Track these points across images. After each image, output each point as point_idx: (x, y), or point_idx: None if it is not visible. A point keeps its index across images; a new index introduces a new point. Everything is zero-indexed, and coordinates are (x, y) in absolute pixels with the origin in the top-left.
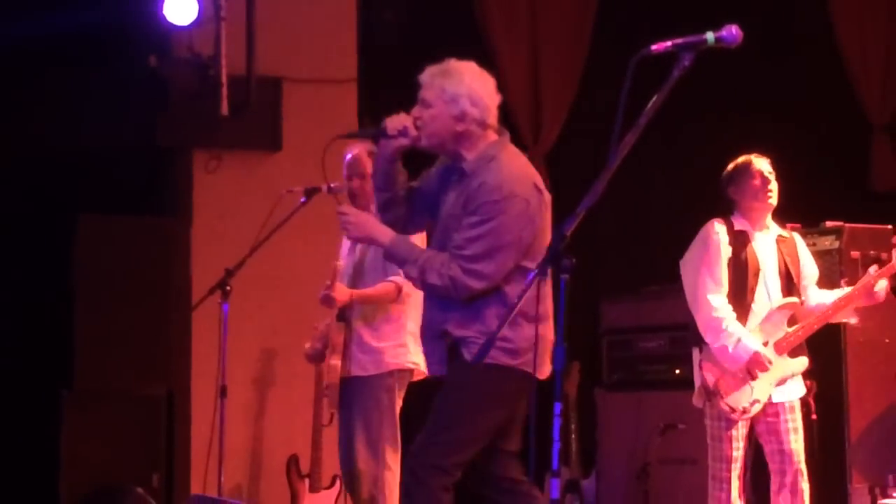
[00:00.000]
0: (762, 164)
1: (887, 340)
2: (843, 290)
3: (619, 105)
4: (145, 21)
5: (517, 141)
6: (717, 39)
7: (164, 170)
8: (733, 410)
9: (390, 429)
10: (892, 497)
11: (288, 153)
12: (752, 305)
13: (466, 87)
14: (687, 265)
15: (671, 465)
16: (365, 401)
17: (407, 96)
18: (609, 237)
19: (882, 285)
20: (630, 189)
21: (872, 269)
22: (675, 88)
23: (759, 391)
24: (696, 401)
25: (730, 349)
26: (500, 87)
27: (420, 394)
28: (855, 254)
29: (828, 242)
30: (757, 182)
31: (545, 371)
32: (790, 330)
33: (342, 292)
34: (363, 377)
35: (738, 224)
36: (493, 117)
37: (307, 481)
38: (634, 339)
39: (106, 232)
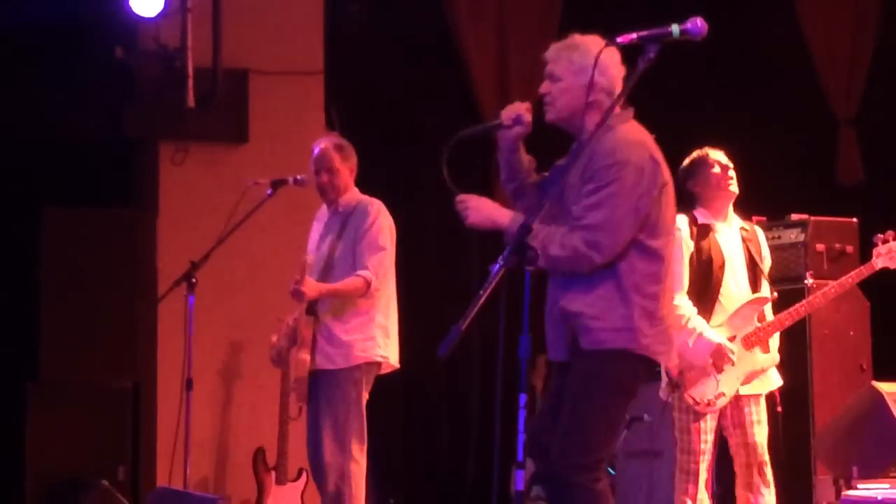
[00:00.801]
0: (718, 154)
1: (852, 333)
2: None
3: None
4: (112, 13)
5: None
6: (683, 32)
7: (130, 162)
8: (697, 403)
9: (357, 422)
10: (856, 488)
11: (254, 145)
12: (720, 298)
13: (594, 56)
14: None
15: (637, 458)
16: (332, 394)
17: (373, 88)
18: None
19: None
20: None
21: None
22: (641, 80)
23: (726, 384)
24: (663, 394)
25: (690, 344)
26: (467, 79)
27: (387, 387)
28: (820, 246)
29: (793, 235)
30: (717, 171)
31: (671, 357)
32: (760, 325)
33: (312, 287)
34: (332, 370)
35: (701, 217)
36: (619, 88)
37: (273, 474)
38: None
39: (72, 224)
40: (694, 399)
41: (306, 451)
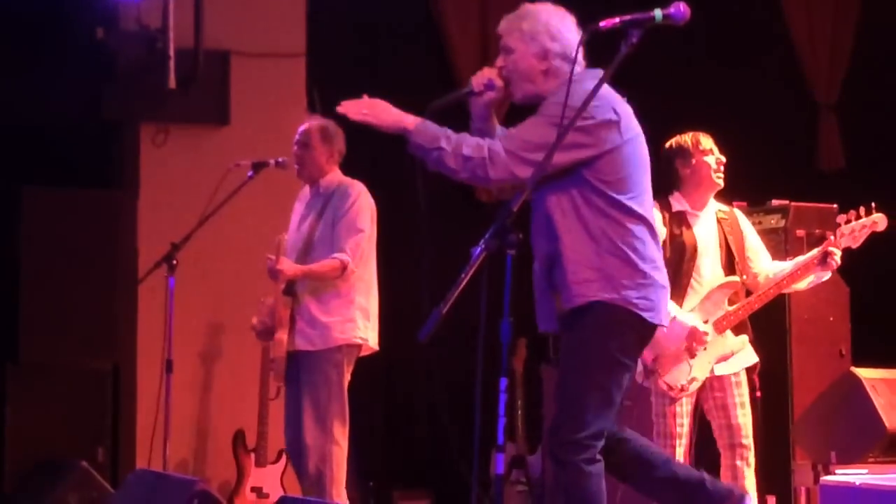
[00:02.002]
0: (712, 142)
1: (831, 318)
2: (790, 264)
3: (569, 80)
4: None
5: (466, 117)
6: (665, 17)
7: (110, 143)
8: (671, 388)
9: (338, 404)
10: (834, 474)
11: (235, 127)
12: (693, 283)
13: (543, 23)
14: None
15: None
16: (313, 376)
17: (355, 71)
18: None
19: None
20: None
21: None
22: (623, 65)
23: (698, 369)
24: (639, 378)
25: (669, 331)
26: (450, 63)
27: (368, 370)
28: (800, 232)
29: (774, 221)
30: (710, 161)
31: (663, 317)
32: (730, 308)
33: (288, 266)
34: (310, 352)
35: (677, 204)
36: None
37: (253, 456)
38: None
39: (52, 205)
40: (668, 385)
41: (284, 432)
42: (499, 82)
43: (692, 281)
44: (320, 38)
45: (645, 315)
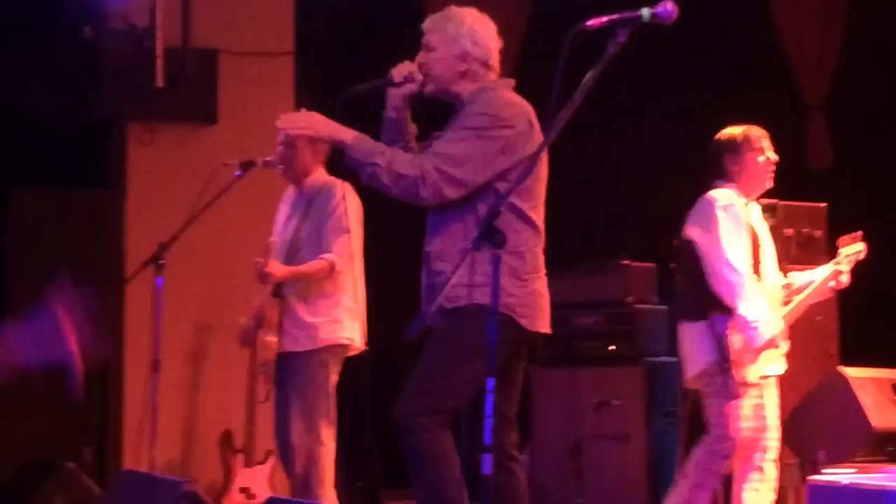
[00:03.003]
0: (767, 142)
1: (819, 318)
2: (811, 276)
3: (554, 81)
4: None
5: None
6: (653, 16)
7: (98, 142)
8: (743, 383)
9: (325, 404)
10: (822, 473)
11: (223, 126)
12: (760, 280)
13: (467, 27)
14: (707, 233)
15: (605, 441)
16: (299, 377)
17: (344, 69)
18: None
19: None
20: (565, 166)
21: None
22: (611, 66)
23: (759, 369)
24: (694, 382)
25: (763, 326)
26: None
27: (356, 369)
28: (789, 231)
29: None
30: (762, 160)
31: (540, 325)
32: (785, 312)
33: (278, 269)
34: (297, 353)
35: (740, 197)
36: (494, 59)
37: (241, 457)
38: (569, 315)
39: (39, 205)
40: (742, 379)
41: (274, 434)
42: (418, 76)
43: (759, 277)
44: (308, 37)
45: (522, 322)
